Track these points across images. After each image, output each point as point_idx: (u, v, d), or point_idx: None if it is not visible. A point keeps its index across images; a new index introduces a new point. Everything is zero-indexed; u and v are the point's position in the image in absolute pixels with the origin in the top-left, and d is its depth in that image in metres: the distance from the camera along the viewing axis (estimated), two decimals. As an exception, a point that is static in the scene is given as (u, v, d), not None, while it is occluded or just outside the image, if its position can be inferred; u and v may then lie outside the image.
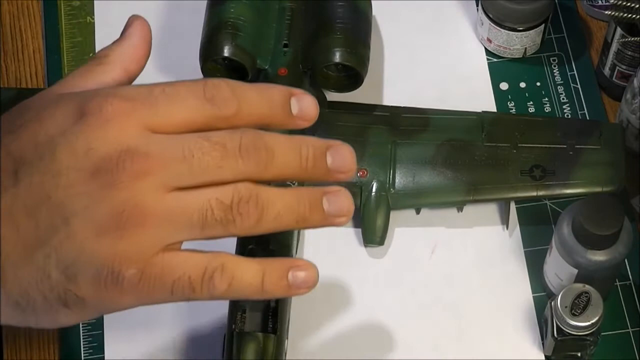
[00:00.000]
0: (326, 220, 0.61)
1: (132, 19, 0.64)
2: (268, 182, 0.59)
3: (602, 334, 0.79)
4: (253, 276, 0.59)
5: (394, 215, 0.85)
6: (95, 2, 0.97)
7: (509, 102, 0.92)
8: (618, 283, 0.84)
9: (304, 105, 0.61)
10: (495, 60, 0.94)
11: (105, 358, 0.82)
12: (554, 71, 0.94)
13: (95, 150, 0.55)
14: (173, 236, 0.57)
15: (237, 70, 0.85)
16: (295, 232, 0.81)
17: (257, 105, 0.59)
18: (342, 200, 0.61)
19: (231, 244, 0.81)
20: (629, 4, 0.83)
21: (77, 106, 0.57)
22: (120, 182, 0.55)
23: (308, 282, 0.60)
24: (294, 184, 0.75)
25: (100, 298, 0.57)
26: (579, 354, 0.80)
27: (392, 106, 0.88)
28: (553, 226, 0.85)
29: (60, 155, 0.56)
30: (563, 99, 0.92)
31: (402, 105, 0.88)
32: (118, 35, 0.63)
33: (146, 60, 0.64)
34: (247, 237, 0.79)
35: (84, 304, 0.57)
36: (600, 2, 0.96)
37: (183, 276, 0.57)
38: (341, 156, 0.61)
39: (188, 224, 0.57)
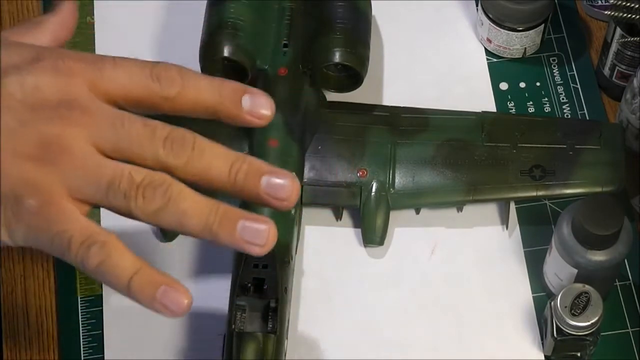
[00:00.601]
0: (235, 242, 0.60)
1: None
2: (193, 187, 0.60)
3: (602, 334, 0.79)
4: (126, 268, 0.60)
5: (394, 215, 0.85)
6: (95, 2, 0.97)
7: (508, 102, 0.92)
8: (618, 283, 0.84)
9: (257, 103, 0.62)
10: (495, 60, 0.94)
11: (105, 358, 0.82)
12: (554, 71, 0.94)
13: (42, 91, 0.59)
14: (80, 189, 0.59)
15: (237, 71, 0.85)
16: (295, 232, 0.81)
17: (204, 91, 0.61)
18: (261, 231, 0.60)
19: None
20: (628, 4, 0.83)
21: (35, 52, 0.61)
22: (54, 121, 0.59)
23: (172, 306, 0.59)
24: None
25: None
26: (579, 354, 0.80)
27: (392, 106, 0.88)
28: (553, 226, 0.85)
29: (8, 83, 0.59)
30: (563, 99, 0.92)
31: (402, 105, 0.88)
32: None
33: (73, 30, 0.68)
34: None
35: None
36: (600, 2, 0.96)
37: (67, 231, 0.59)
38: (279, 183, 0.60)
39: (97, 183, 0.59)
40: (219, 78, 0.62)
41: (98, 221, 0.87)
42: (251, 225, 0.59)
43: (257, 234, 0.59)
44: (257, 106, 0.62)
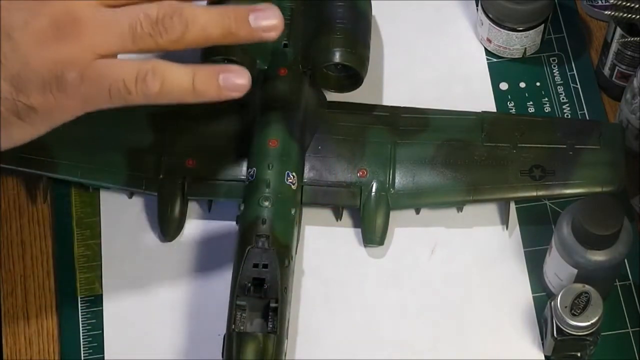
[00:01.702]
0: (254, 34, 0.67)
1: None
2: None
3: (602, 334, 0.79)
4: (183, 76, 0.65)
5: (394, 215, 0.85)
6: (95, 2, 0.97)
7: (508, 102, 0.92)
8: (618, 283, 0.84)
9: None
10: (495, 60, 0.94)
11: (105, 358, 0.82)
12: (554, 71, 0.94)
13: None
14: (107, 44, 0.64)
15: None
16: (295, 232, 0.81)
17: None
18: (269, 15, 0.68)
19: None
20: (629, 4, 0.83)
21: None
22: None
23: (239, 84, 0.66)
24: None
25: (49, 105, 0.63)
26: (579, 354, 0.80)
27: (391, 106, 0.88)
28: (553, 226, 0.85)
29: None
30: (563, 99, 0.92)
31: (402, 105, 0.88)
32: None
33: None
34: (246, 235, 0.79)
35: (35, 113, 0.63)
36: (600, 2, 0.96)
37: (118, 78, 0.64)
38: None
39: (120, 34, 0.64)
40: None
41: (98, 211, 0.87)
42: (260, 13, 0.67)
43: (268, 20, 0.67)
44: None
